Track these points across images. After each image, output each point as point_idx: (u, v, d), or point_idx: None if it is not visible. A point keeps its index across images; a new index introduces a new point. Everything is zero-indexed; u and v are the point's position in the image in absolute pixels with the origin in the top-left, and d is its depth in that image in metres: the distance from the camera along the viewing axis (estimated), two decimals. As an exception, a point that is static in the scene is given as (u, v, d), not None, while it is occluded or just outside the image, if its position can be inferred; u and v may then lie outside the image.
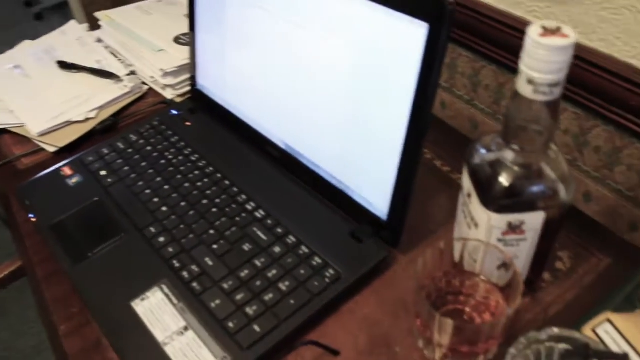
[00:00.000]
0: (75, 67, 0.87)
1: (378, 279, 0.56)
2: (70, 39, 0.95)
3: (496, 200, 0.45)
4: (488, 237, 0.47)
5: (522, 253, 0.48)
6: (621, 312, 0.47)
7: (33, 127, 0.76)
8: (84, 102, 0.80)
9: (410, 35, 0.47)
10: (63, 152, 0.75)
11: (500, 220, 0.46)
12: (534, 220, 0.46)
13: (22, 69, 0.89)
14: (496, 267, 0.49)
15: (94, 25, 0.98)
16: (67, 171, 0.69)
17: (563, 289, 0.55)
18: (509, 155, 0.45)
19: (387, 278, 0.56)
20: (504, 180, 0.45)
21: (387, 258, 0.56)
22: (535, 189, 0.45)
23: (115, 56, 0.89)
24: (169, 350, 0.49)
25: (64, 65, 0.88)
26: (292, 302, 0.52)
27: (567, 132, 0.71)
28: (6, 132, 0.79)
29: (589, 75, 0.63)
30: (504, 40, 0.72)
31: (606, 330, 0.46)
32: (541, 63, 0.38)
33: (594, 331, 0.47)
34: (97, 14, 0.94)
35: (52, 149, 0.75)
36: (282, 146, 0.66)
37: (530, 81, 0.40)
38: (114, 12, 0.94)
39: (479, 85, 0.81)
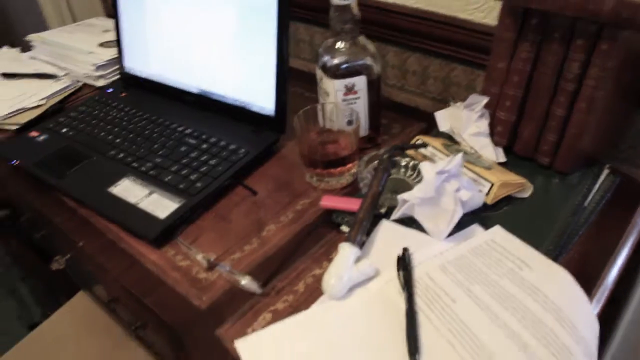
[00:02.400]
0: (18, 75, 1.09)
1: (276, 156, 0.84)
2: (5, 59, 1.16)
3: (335, 71, 0.75)
4: (336, 100, 0.76)
5: (360, 108, 0.77)
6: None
7: (-4, 113, 0.97)
8: (33, 95, 1.02)
9: (270, -13, 0.77)
10: (23, 131, 0.96)
11: (340, 84, 0.75)
12: (360, 82, 0.75)
13: (-30, 84, 1.08)
14: (346, 123, 0.78)
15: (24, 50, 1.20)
16: (35, 133, 0.91)
17: (397, 140, 0.85)
18: (337, 45, 0.75)
19: (282, 154, 0.84)
20: (336, 60, 0.74)
21: (278, 139, 0.83)
22: (356, 62, 0.75)
23: (50, 65, 1.12)
24: (141, 205, 0.73)
25: (7, 76, 1.09)
26: (219, 169, 0.77)
27: (393, 67, 1.03)
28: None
29: (397, 21, 0.95)
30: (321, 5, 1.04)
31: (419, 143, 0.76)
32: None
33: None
34: (29, 36, 1.16)
35: (14, 127, 0.96)
36: (197, 92, 0.92)
37: (336, -7, 0.70)
38: (43, 34, 1.16)
39: (314, 46, 1.13)
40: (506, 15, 0.69)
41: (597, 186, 0.71)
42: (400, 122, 0.90)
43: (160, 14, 0.92)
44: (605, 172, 0.74)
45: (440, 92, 0.99)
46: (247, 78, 0.84)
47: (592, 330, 0.53)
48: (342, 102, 0.76)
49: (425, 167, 0.63)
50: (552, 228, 0.66)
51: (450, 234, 0.65)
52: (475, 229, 0.66)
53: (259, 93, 0.84)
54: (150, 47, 0.96)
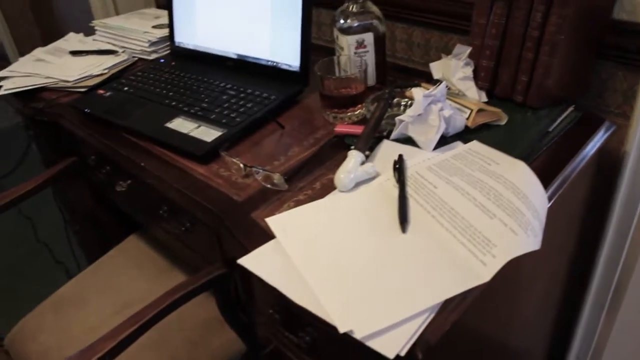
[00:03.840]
0: (84, 52, 1.30)
1: (300, 104, 1.01)
2: (72, 42, 1.38)
3: (348, 29, 0.93)
4: (349, 53, 0.94)
5: (369, 60, 0.95)
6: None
7: (69, 78, 1.17)
8: (98, 66, 1.22)
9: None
10: (88, 93, 1.16)
11: (352, 39, 0.93)
12: (369, 38, 0.93)
13: (43, 61, 1.29)
14: (358, 73, 0.95)
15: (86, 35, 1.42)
16: (101, 91, 1.11)
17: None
18: (350, 9, 0.93)
19: (305, 103, 1.02)
20: (349, 20, 0.93)
21: (302, 90, 1.01)
22: (364, 22, 0.93)
23: (110, 45, 1.33)
24: (192, 134, 0.91)
25: (75, 53, 1.30)
26: (255, 109, 0.95)
27: (401, 41, 1.21)
28: (45, 90, 1.19)
29: (420, 3, 1.12)
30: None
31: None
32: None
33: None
34: (93, 22, 1.38)
35: (83, 89, 1.16)
36: (235, 57, 1.11)
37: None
38: (105, 20, 1.38)
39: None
40: (484, -21, 0.86)
41: (562, 117, 0.87)
42: (404, 79, 1.07)
43: (206, -6, 1.12)
44: (571, 108, 0.89)
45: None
46: (278, 41, 1.03)
47: (541, 202, 0.69)
48: (354, 54, 0.94)
49: (415, 91, 0.80)
50: (520, 145, 0.81)
51: (437, 148, 0.81)
52: (457, 144, 0.82)
53: (287, 53, 1.02)
54: (197, 22, 1.16)
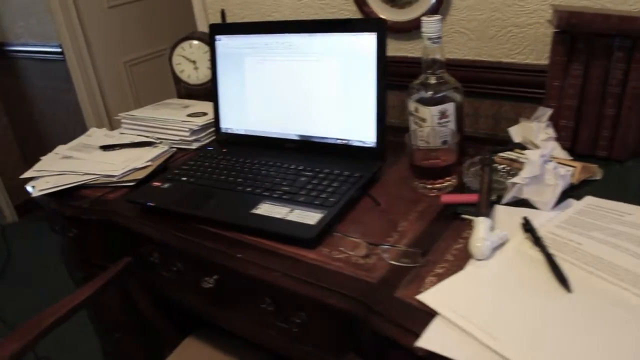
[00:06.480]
0: (115, 146, 1.23)
1: (382, 179, 1.00)
2: (98, 136, 1.31)
3: (429, 100, 0.94)
4: (432, 124, 0.95)
5: (452, 128, 0.96)
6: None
7: (114, 173, 1.10)
8: (139, 158, 1.16)
9: (370, 41, 0.97)
10: (138, 187, 1.09)
11: (436, 110, 0.94)
12: (450, 108, 0.95)
13: (71, 158, 1.22)
14: (441, 143, 0.96)
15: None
16: (157, 183, 1.04)
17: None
18: (429, 80, 0.95)
19: (384, 179, 1.00)
20: (430, 91, 0.94)
21: (382, 166, 1.00)
22: (444, 93, 0.95)
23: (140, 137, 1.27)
24: (289, 218, 0.86)
25: (106, 148, 1.23)
26: (343, 188, 0.93)
27: (467, 115, 1.22)
28: (83, 188, 1.11)
29: (452, 72, 1.15)
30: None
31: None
32: (430, 28, 0.91)
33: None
34: (120, 115, 1.32)
35: (132, 183, 1.09)
36: (297, 138, 1.09)
37: (429, 38, 0.92)
38: (132, 112, 1.33)
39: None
40: (557, 44, 0.91)
41: (650, 167, 0.91)
42: (472, 147, 1.07)
43: (258, 75, 1.11)
44: (652, 158, 0.93)
45: (492, 127, 1.18)
46: (349, 118, 1.02)
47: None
48: (437, 124, 0.95)
49: (529, 153, 0.81)
50: (631, 195, 0.82)
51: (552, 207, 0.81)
52: (571, 201, 0.83)
53: (360, 130, 1.02)
54: (249, 107, 1.14)
